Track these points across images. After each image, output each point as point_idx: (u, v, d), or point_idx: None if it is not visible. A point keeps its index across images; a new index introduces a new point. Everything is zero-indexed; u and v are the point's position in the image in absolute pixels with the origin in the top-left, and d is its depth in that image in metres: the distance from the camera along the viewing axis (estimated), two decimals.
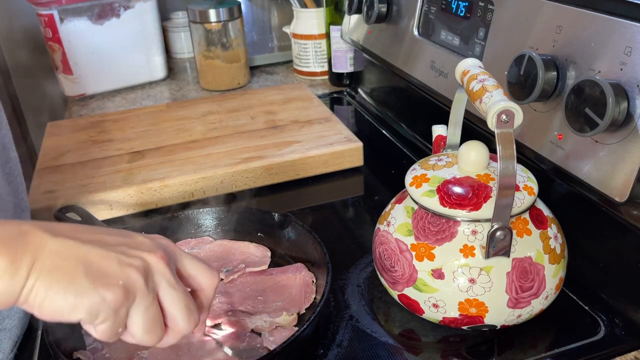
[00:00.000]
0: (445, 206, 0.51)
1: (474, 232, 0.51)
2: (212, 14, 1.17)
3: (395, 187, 0.63)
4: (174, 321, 0.41)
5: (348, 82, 1.21)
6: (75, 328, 0.57)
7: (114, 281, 0.37)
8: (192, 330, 0.42)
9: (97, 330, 0.38)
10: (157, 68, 1.29)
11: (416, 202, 0.54)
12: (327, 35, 1.18)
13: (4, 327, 0.56)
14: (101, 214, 0.76)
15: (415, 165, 0.58)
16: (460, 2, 0.74)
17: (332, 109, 1.14)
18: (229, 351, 0.54)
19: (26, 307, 0.36)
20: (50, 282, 0.35)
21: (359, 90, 1.18)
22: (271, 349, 0.53)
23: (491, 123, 0.46)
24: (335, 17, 1.15)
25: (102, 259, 0.38)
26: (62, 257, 0.36)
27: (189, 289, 0.43)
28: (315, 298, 0.60)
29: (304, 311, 0.58)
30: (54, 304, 0.36)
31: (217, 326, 0.57)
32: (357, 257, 0.68)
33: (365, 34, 1.01)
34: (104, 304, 0.37)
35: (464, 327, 0.54)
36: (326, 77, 1.27)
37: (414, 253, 0.53)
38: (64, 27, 1.14)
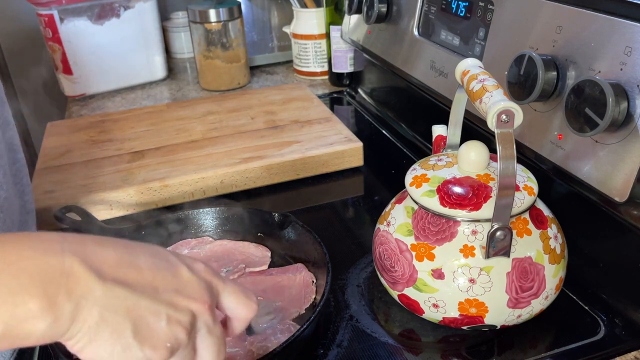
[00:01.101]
0: (445, 206, 0.51)
1: (474, 232, 0.51)
2: (212, 14, 1.17)
3: (395, 187, 0.63)
4: None
5: (348, 82, 1.21)
6: None
7: (162, 343, 0.36)
8: None
9: None
10: (157, 68, 1.29)
11: (416, 202, 0.54)
12: (327, 35, 1.18)
13: None
14: (101, 214, 0.76)
15: (415, 165, 0.58)
16: (460, 2, 0.74)
17: (332, 109, 1.14)
18: (229, 351, 0.54)
19: (67, 345, 0.35)
20: (96, 335, 0.34)
21: (359, 90, 1.18)
22: (271, 349, 0.53)
23: (491, 123, 0.46)
24: (335, 17, 1.15)
25: (151, 315, 0.36)
26: (110, 310, 0.34)
27: (223, 315, 0.43)
28: (315, 298, 0.60)
29: (304, 311, 0.58)
30: (97, 355, 0.35)
31: None
32: (357, 257, 0.68)
33: (365, 34, 1.01)
34: None
35: (464, 327, 0.54)
36: (326, 77, 1.27)
37: (414, 253, 0.53)
38: (64, 27, 1.14)
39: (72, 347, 0.34)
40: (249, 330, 0.54)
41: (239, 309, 0.43)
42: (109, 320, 0.34)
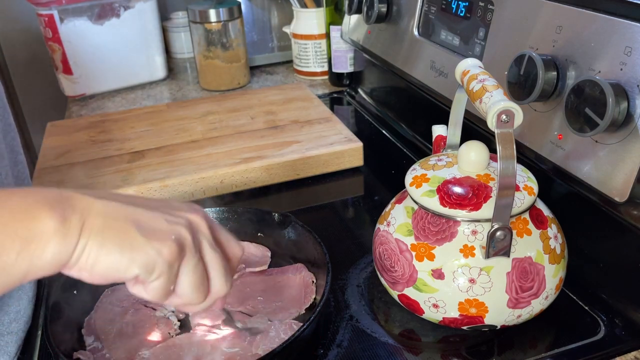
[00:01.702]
0: (445, 206, 0.51)
1: (474, 232, 0.51)
2: (212, 14, 1.17)
3: (395, 187, 0.63)
4: (212, 282, 0.42)
5: (348, 82, 1.21)
6: (75, 328, 0.57)
7: (167, 236, 0.38)
8: (226, 293, 0.43)
9: (150, 288, 0.38)
10: (157, 68, 1.29)
11: (416, 202, 0.54)
12: (327, 35, 1.18)
13: (10, 330, 0.56)
14: None
15: (415, 165, 0.58)
16: (460, 2, 0.74)
17: (332, 109, 1.14)
18: (229, 351, 0.54)
19: (75, 271, 0.36)
20: (103, 240, 0.35)
21: (359, 90, 1.18)
22: (271, 349, 0.53)
23: (491, 123, 0.46)
24: (335, 17, 1.15)
25: (149, 218, 0.38)
26: (111, 217, 0.36)
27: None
28: (315, 298, 0.60)
29: (304, 311, 0.58)
30: (109, 261, 0.35)
31: (217, 326, 0.57)
32: (357, 257, 0.68)
33: (365, 34, 1.01)
34: (160, 257, 0.37)
35: (464, 327, 0.54)
36: (326, 77, 1.27)
37: (414, 253, 0.53)
38: (64, 27, 1.14)
39: (84, 265, 0.35)
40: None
41: (231, 246, 0.44)
42: (112, 224, 0.36)
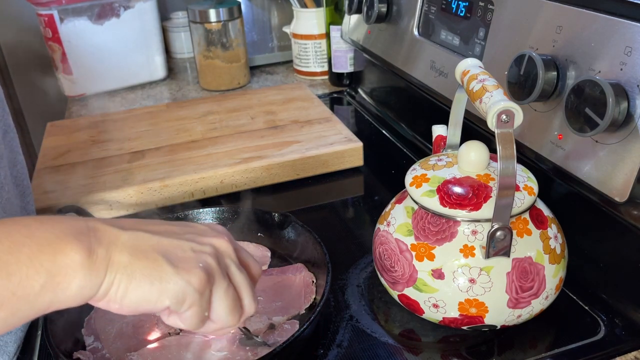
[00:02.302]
0: (445, 206, 0.51)
1: (474, 232, 0.51)
2: (212, 14, 1.17)
3: (395, 187, 0.63)
4: (244, 302, 0.42)
5: (348, 82, 1.21)
6: (75, 328, 0.57)
7: (194, 264, 0.38)
8: (254, 312, 0.44)
9: (184, 317, 0.38)
10: (157, 68, 1.29)
11: (416, 202, 0.54)
12: (327, 35, 1.18)
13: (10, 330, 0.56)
14: (101, 214, 0.76)
15: (415, 165, 0.58)
16: (460, 2, 0.74)
17: (332, 109, 1.14)
18: (220, 354, 0.54)
19: (103, 303, 0.36)
20: (132, 272, 0.35)
21: (359, 90, 1.18)
22: (270, 350, 0.53)
23: (491, 123, 0.46)
24: (335, 17, 1.15)
25: (176, 247, 0.38)
26: (138, 249, 0.36)
27: None
28: (315, 298, 0.60)
29: (304, 311, 0.58)
30: (139, 294, 0.36)
31: None
32: (357, 257, 0.68)
33: (365, 34, 1.01)
34: (189, 287, 0.37)
35: (464, 327, 0.54)
36: (326, 77, 1.27)
37: (414, 253, 0.53)
38: (64, 27, 1.14)
39: (114, 298, 0.35)
40: (249, 335, 0.54)
41: (252, 266, 0.45)
42: (140, 256, 0.36)
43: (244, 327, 0.54)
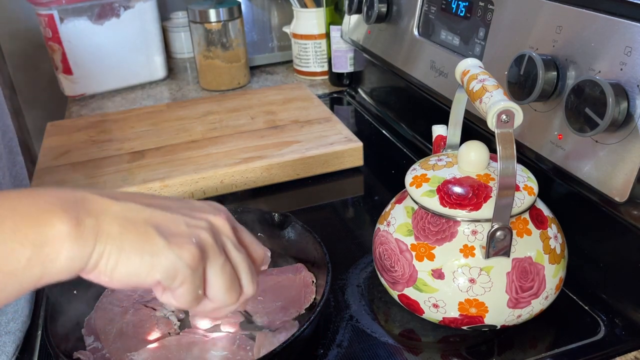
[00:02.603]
0: (445, 206, 0.51)
1: (474, 232, 0.51)
2: (212, 14, 1.17)
3: (395, 187, 0.63)
4: (242, 282, 0.41)
5: (348, 82, 1.21)
6: (75, 328, 0.57)
7: (187, 239, 0.36)
8: (254, 294, 0.42)
9: (177, 294, 0.37)
10: (157, 68, 1.29)
11: (416, 202, 0.54)
12: (327, 35, 1.18)
13: (8, 330, 0.56)
14: None
15: (415, 165, 0.58)
16: (460, 2, 0.74)
17: (332, 109, 1.14)
18: (220, 354, 0.54)
19: (94, 276, 0.34)
20: (122, 244, 0.34)
21: (359, 90, 1.18)
22: (268, 351, 0.53)
23: (491, 123, 0.46)
24: (335, 17, 1.15)
25: (169, 221, 0.37)
26: (129, 220, 0.35)
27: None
28: (315, 298, 0.60)
29: (304, 311, 0.58)
30: (129, 266, 0.34)
31: (216, 327, 0.57)
32: (357, 257, 0.68)
33: (365, 34, 1.01)
34: (181, 262, 0.35)
35: (464, 327, 0.54)
36: (326, 77, 1.27)
37: (414, 253, 0.53)
38: (64, 27, 1.14)
39: (104, 270, 0.34)
40: (250, 319, 0.54)
41: (255, 247, 0.43)
42: (131, 228, 0.35)
43: (245, 311, 0.53)
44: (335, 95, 1.20)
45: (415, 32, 0.85)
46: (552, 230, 0.53)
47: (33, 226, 0.32)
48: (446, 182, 0.53)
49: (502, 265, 0.50)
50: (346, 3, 1.01)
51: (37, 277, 0.33)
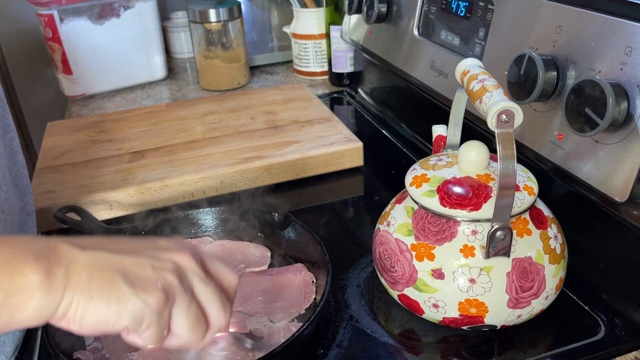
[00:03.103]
0: (445, 206, 0.51)
1: (474, 232, 0.51)
2: (212, 14, 1.17)
3: (395, 187, 0.63)
4: (210, 316, 0.42)
5: (348, 82, 1.21)
6: None
7: (153, 284, 0.38)
8: (227, 322, 0.43)
9: (143, 337, 0.38)
10: (157, 68, 1.29)
11: (416, 202, 0.54)
12: (327, 35, 1.18)
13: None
14: (101, 214, 0.76)
15: (415, 165, 0.58)
16: (460, 2, 0.74)
17: (332, 109, 1.14)
18: (221, 354, 0.54)
19: (64, 323, 0.36)
20: (90, 293, 0.35)
21: (359, 90, 1.18)
22: (269, 350, 0.53)
23: (491, 123, 0.46)
24: (335, 17, 1.15)
25: (135, 266, 0.38)
26: (96, 269, 0.36)
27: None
28: (315, 298, 0.60)
29: (304, 311, 0.58)
30: (97, 314, 0.36)
31: None
32: (357, 257, 0.68)
33: (365, 34, 1.01)
34: (147, 308, 0.37)
35: (464, 327, 0.54)
36: (326, 77, 1.27)
37: (414, 253, 0.53)
38: (64, 27, 1.14)
39: (72, 319, 0.35)
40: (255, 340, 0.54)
41: (224, 277, 0.44)
42: (98, 277, 0.36)
43: (239, 332, 0.54)
44: (335, 95, 1.20)
45: (415, 32, 0.85)
46: (552, 230, 0.53)
47: (7, 274, 0.34)
48: (446, 182, 0.53)
49: (502, 265, 0.50)
50: (346, 3, 1.01)
51: (4, 324, 0.34)
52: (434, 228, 0.52)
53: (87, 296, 0.35)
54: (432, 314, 0.54)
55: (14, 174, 0.62)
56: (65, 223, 0.69)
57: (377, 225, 0.59)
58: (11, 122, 0.62)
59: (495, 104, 0.45)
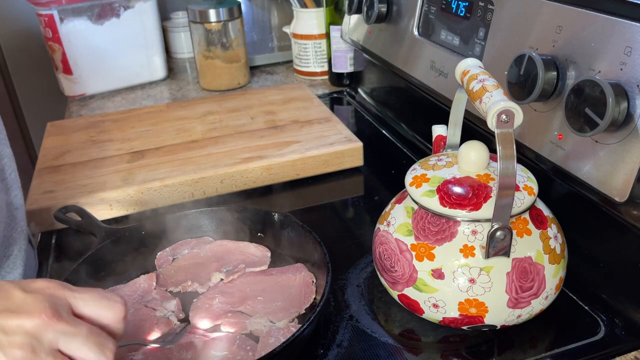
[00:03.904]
0: (445, 206, 0.51)
1: (474, 232, 0.51)
2: (212, 14, 1.17)
3: (395, 187, 0.63)
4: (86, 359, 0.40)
5: (348, 82, 1.21)
6: None
7: None
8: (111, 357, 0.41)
9: None
10: (157, 68, 1.29)
11: (416, 202, 0.54)
12: (327, 35, 1.18)
13: None
14: (101, 214, 0.76)
15: (415, 165, 0.58)
16: (460, 2, 0.74)
17: (332, 109, 1.14)
18: (220, 354, 0.54)
19: None
20: None
21: (359, 90, 1.18)
22: (269, 350, 0.53)
23: (491, 123, 0.46)
24: (335, 17, 1.15)
25: None
26: None
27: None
28: (315, 298, 0.60)
29: (304, 311, 0.58)
30: None
31: (216, 327, 0.57)
32: (357, 257, 0.68)
33: (365, 34, 1.01)
34: None
35: (464, 327, 0.54)
36: (326, 77, 1.27)
37: (414, 253, 0.53)
38: (64, 27, 1.14)
39: None
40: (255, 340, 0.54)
41: (101, 314, 0.42)
42: None
43: (239, 332, 0.53)
44: (335, 95, 1.20)
45: (415, 32, 0.85)
46: (552, 230, 0.53)
47: None
48: (446, 182, 0.53)
49: (502, 265, 0.50)
50: (346, 3, 1.01)
51: None
52: (434, 228, 0.52)
53: None
54: (432, 314, 0.54)
55: (1, 167, 0.61)
56: (65, 223, 0.69)
57: (377, 225, 0.59)
58: None
59: (495, 104, 0.45)
